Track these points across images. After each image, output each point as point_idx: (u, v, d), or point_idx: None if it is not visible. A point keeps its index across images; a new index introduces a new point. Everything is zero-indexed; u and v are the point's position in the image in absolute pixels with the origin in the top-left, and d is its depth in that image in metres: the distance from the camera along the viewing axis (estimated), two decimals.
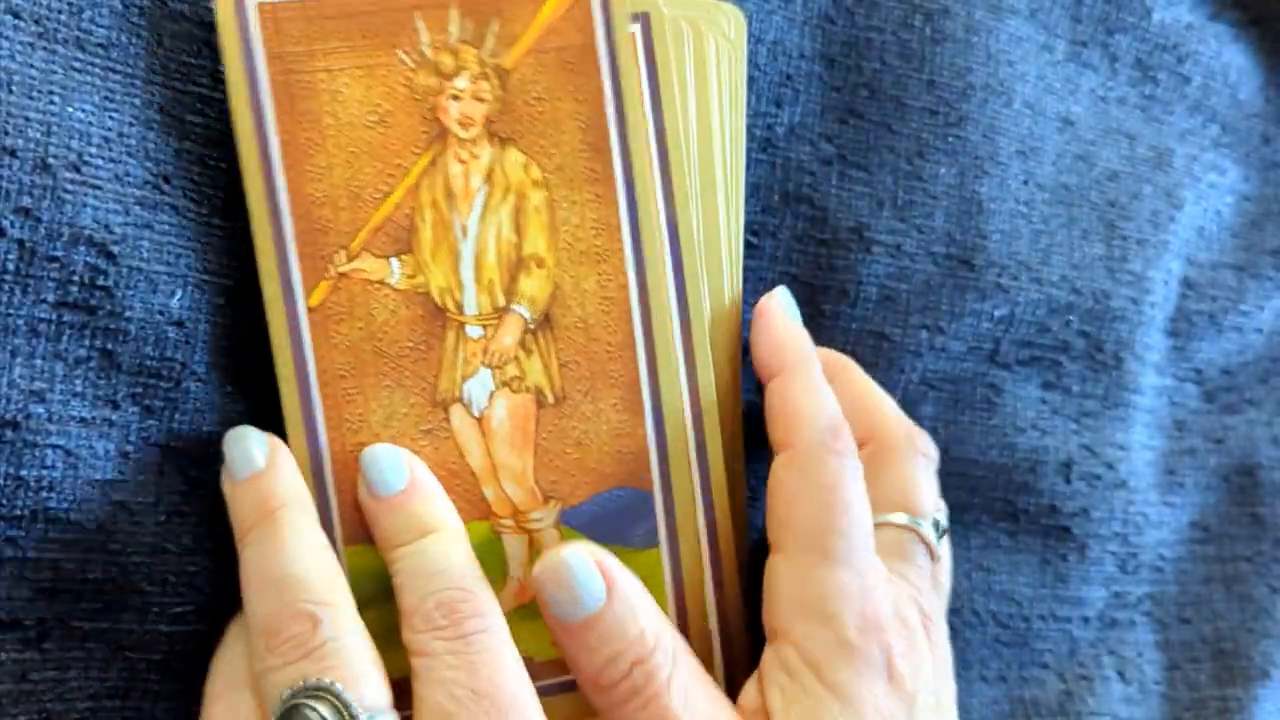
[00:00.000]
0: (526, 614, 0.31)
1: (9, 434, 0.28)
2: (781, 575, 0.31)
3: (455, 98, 0.31)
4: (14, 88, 0.28)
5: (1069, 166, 0.40)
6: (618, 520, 0.32)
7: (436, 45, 0.31)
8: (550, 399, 0.32)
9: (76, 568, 0.29)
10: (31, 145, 0.28)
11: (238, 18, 0.30)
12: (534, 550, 0.32)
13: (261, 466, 0.29)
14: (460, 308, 0.31)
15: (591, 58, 0.31)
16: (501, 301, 0.31)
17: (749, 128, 0.35)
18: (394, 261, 0.31)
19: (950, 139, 0.38)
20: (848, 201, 0.37)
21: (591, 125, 0.32)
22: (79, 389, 0.29)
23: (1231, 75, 0.44)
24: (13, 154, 0.28)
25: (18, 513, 0.28)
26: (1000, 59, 0.38)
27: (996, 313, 0.38)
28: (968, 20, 0.38)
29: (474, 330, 0.31)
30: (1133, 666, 0.41)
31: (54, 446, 0.29)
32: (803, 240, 0.36)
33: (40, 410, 0.28)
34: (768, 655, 0.31)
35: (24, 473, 0.28)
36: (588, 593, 0.29)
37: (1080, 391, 0.40)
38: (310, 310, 0.30)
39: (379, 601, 0.30)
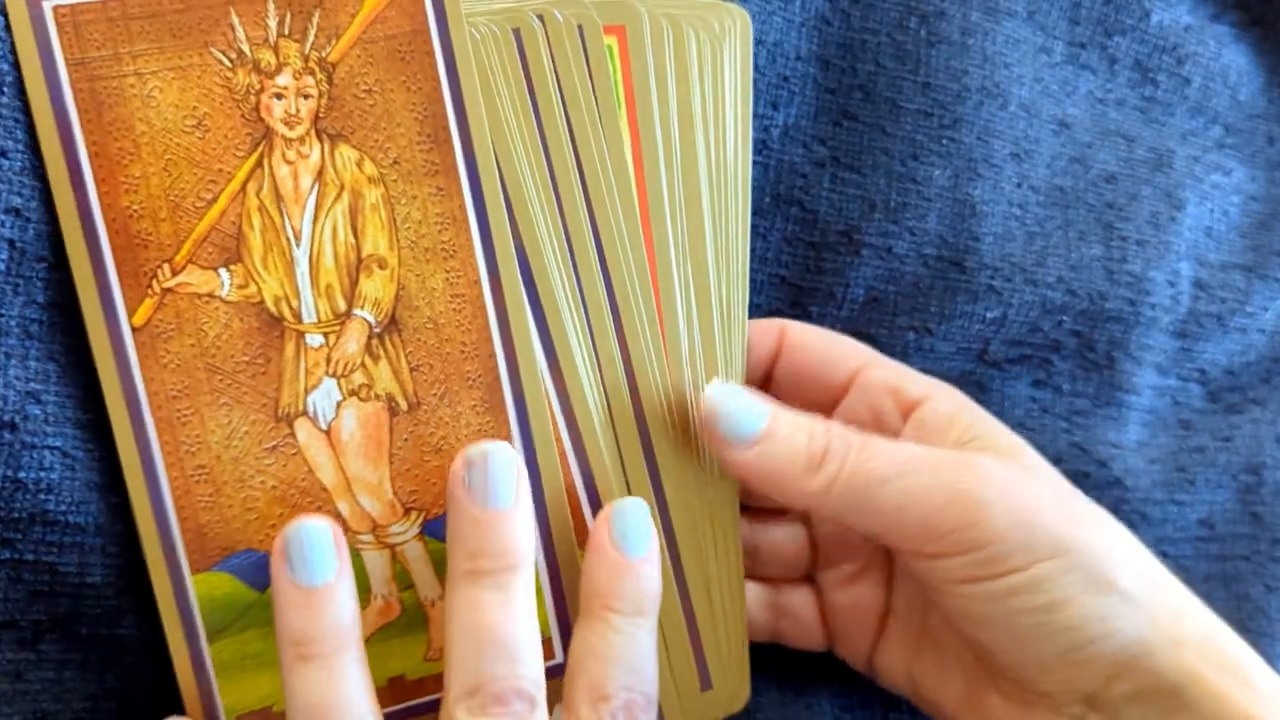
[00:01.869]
0: (393, 632, 0.31)
1: (7, 435, 0.28)
2: None
3: (278, 95, 0.29)
4: (5, 89, 0.28)
5: (1064, 169, 0.39)
6: None
7: (255, 41, 0.29)
8: (403, 405, 0.30)
9: (74, 571, 0.29)
10: (20, 146, 0.28)
11: (33, 22, 0.28)
12: (397, 565, 0.31)
13: (511, 505, 0.29)
14: (298, 316, 0.29)
15: (424, 44, 0.30)
16: (342, 307, 0.30)
17: None
18: (223, 272, 0.29)
19: (944, 141, 0.37)
20: (838, 204, 0.36)
21: (429, 115, 0.30)
22: (73, 390, 0.29)
23: (1232, 76, 0.43)
24: (3, 154, 0.28)
25: (15, 515, 0.28)
26: (996, 61, 0.38)
27: (989, 314, 0.38)
28: (964, 22, 0.38)
29: (314, 339, 0.30)
30: None
31: (51, 448, 0.28)
32: (792, 243, 0.36)
33: (37, 411, 0.28)
34: None
35: (22, 475, 0.28)
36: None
37: (1071, 390, 0.40)
38: (135, 330, 0.29)
39: (232, 630, 0.29)
